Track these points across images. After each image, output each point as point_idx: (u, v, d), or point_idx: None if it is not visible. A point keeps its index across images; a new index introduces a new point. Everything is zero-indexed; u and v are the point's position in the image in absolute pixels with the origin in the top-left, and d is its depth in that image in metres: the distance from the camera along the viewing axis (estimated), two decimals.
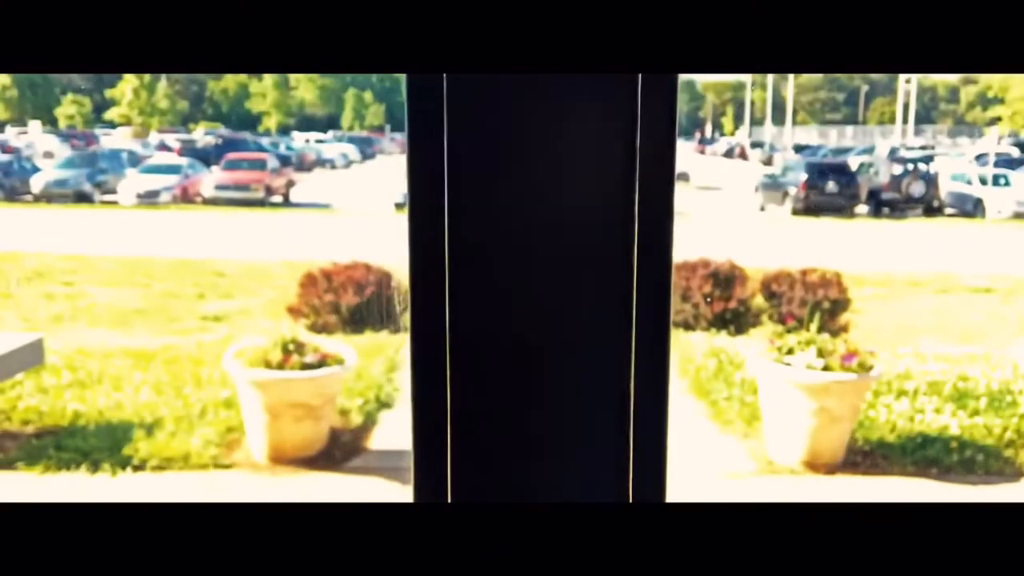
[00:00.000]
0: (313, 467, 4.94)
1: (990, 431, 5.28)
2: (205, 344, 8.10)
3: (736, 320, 8.25)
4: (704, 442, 5.28)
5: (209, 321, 10.12)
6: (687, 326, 8.27)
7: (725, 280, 8.56)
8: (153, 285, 11.95)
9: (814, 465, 4.87)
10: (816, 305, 8.47)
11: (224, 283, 11.83)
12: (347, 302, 8.06)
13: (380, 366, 6.41)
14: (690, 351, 7.06)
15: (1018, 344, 5.95)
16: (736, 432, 5.32)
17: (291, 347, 4.92)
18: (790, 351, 4.94)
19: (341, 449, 5.13)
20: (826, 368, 4.81)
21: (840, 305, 8.80)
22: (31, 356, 5.06)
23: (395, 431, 5.47)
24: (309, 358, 4.90)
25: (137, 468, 4.87)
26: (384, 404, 5.81)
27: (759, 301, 8.86)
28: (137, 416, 5.51)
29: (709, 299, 8.46)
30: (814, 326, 5.15)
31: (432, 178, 1.28)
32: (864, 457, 5.04)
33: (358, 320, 8.04)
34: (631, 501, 1.49)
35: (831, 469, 4.89)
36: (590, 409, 1.39)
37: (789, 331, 5.21)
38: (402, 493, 4.61)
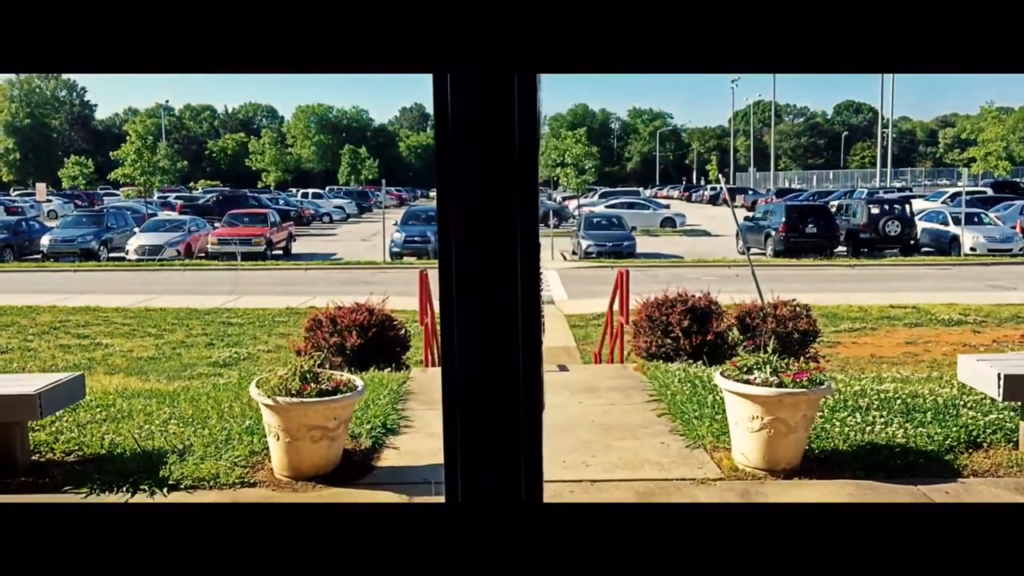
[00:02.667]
0: (329, 483, 5.51)
1: (932, 439, 5.90)
2: (220, 385, 8.68)
3: (713, 351, 8.86)
4: (677, 454, 5.88)
5: (219, 367, 10.73)
6: (668, 357, 8.88)
7: (702, 315, 9.19)
8: (164, 335, 12.55)
9: (773, 470, 5.47)
10: (787, 335, 9.12)
11: (232, 331, 12.45)
12: (352, 343, 8.67)
13: (386, 397, 7.02)
14: (668, 379, 7.66)
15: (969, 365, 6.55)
16: (707, 444, 5.93)
17: (309, 376, 5.53)
18: (749, 370, 5.58)
19: (353, 467, 5.72)
20: (780, 384, 5.45)
21: (810, 335, 9.45)
22: (77, 389, 5.70)
23: (399, 453, 6.05)
24: (325, 385, 5.52)
25: (172, 488, 5.45)
26: (390, 430, 6.40)
27: (735, 334, 9.49)
28: (168, 444, 6.10)
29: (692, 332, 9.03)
30: (771, 348, 5.79)
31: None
32: (819, 463, 5.64)
33: (363, 359, 8.65)
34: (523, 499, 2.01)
35: (789, 473, 5.49)
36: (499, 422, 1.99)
37: (750, 353, 5.84)
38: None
